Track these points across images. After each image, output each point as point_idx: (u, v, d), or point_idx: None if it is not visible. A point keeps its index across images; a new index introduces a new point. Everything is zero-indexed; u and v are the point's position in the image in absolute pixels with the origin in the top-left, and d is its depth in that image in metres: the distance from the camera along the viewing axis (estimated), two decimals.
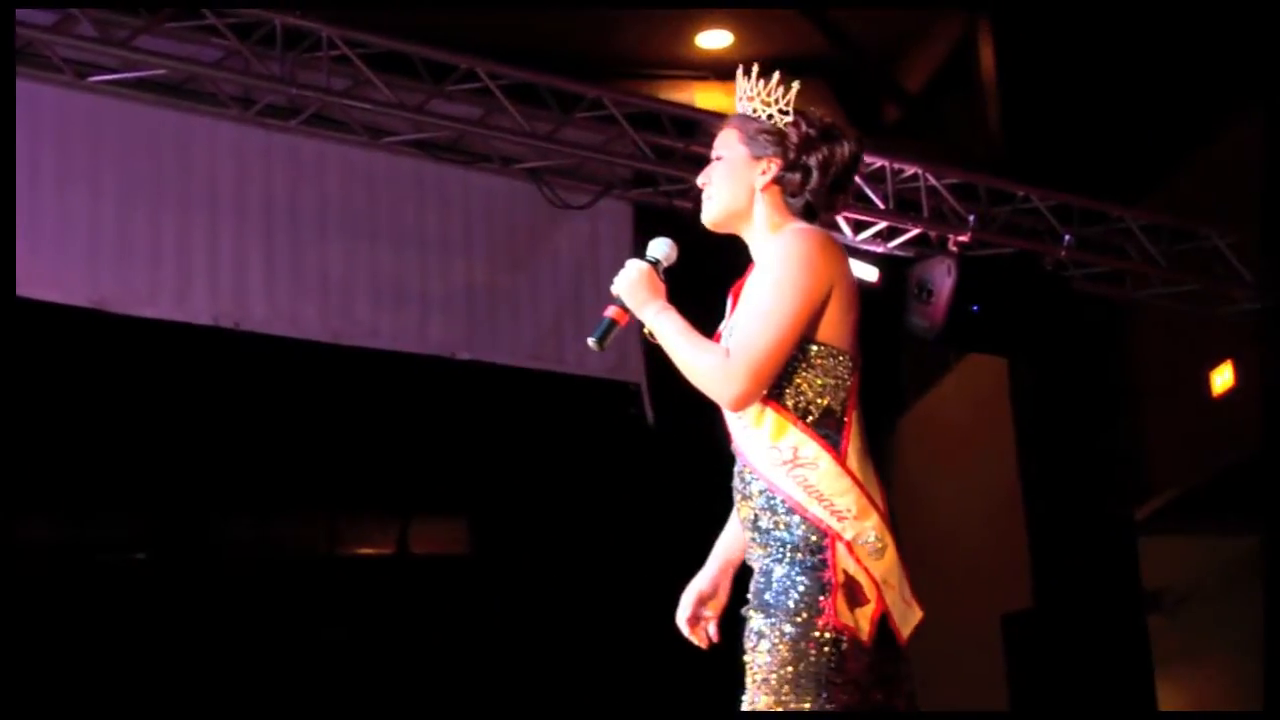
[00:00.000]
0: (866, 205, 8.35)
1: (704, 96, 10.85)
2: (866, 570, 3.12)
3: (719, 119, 8.25)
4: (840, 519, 3.14)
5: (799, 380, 3.20)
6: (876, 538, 3.16)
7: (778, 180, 3.36)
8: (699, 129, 8.16)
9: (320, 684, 15.03)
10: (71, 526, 15.80)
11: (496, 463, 13.89)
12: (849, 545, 3.13)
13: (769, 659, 3.12)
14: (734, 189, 3.39)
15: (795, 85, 3.39)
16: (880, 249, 8.50)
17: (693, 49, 10.92)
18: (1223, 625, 9.64)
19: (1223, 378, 9.08)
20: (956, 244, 8.39)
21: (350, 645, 15.21)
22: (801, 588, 3.13)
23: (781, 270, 3.20)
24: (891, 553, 3.18)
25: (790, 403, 3.21)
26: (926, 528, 12.81)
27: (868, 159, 8.38)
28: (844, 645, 3.08)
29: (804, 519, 3.17)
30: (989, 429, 11.01)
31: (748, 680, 3.18)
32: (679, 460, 8.84)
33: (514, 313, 8.44)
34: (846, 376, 3.24)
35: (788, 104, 3.38)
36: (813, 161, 3.34)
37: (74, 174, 7.44)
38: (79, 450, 13.91)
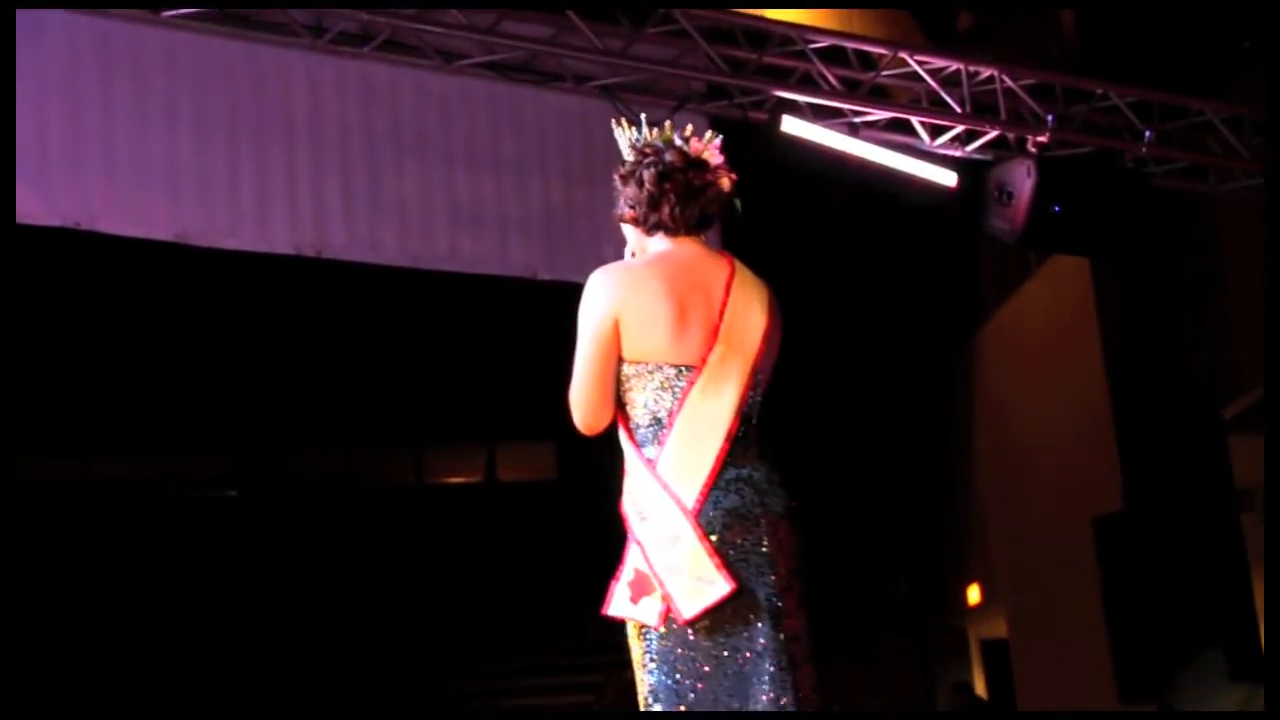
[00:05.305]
0: (943, 109, 8.28)
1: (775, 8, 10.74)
2: (650, 563, 3.49)
3: (791, 29, 8.21)
4: (642, 519, 3.55)
5: (627, 397, 3.67)
6: (667, 529, 3.50)
7: (633, 222, 3.83)
8: (771, 40, 8.11)
9: (413, 609, 15.21)
10: (161, 464, 16.06)
11: None
12: (640, 544, 3.54)
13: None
14: (630, 244, 3.87)
15: (623, 137, 3.90)
16: (958, 153, 8.44)
17: None
18: None
19: None
20: (1035, 145, 8.31)
21: (441, 572, 15.37)
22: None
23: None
24: (688, 540, 3.48)
25: (625, 418, 3.68)
26: (1014, 434, 12.77)
27: (942, 63, 8.31)
28: (647, 632, 3.50)
29: (624, 523, 3.61)
30: (1074, 332, 10.93)
31: None
32: None
33: (593, 231, 8.38)
34: (670, 384, 3.62)
35: (622, 161, 3.89)
36: (632, 198, 3.81)
37: (151, 109, 7.47)
38: (166, 386, 14.09)
